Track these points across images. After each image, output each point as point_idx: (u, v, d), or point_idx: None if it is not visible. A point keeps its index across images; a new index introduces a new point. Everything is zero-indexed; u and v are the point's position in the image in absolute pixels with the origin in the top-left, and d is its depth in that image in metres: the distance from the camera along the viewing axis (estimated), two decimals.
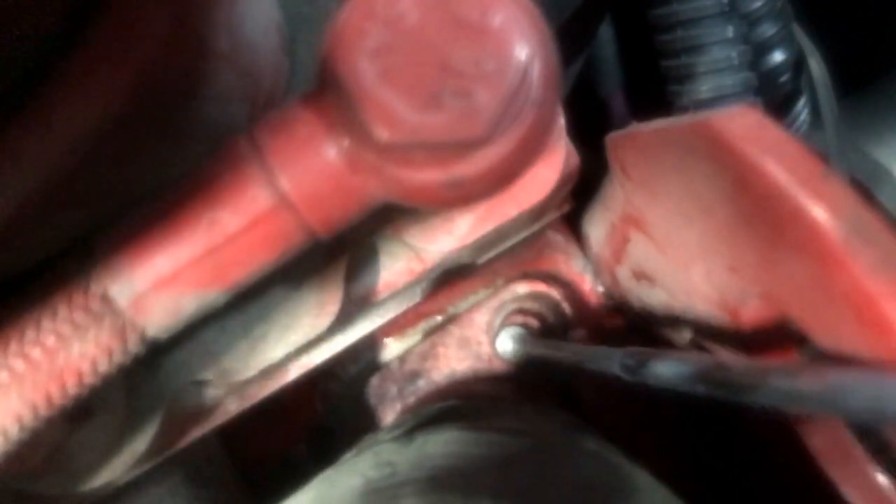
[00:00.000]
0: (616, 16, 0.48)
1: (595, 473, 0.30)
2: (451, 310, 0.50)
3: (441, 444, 0.30)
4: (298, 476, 0.49)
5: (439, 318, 0.50)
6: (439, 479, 0.28)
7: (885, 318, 0.21)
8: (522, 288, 0.48)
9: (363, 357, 0.50)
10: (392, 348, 0.50)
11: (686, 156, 0.28)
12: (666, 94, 0.44)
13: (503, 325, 0.48)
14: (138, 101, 0.22)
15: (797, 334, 0.27)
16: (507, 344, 0.48)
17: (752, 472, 0.38)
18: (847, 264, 0.21)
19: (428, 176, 0.20)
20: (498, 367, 0.49)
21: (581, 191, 0.40)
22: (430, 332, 0.49)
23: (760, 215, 0.24)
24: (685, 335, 0.35)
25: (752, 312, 0.28)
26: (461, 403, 0.38)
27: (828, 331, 0.23)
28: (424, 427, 0.33)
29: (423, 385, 0.49)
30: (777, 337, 0.28)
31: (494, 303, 0.48)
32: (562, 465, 0.30)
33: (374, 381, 0.49)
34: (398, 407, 0.49)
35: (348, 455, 0.37)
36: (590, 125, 0.39)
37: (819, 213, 0.21)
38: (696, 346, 0.35)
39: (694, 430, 0.47)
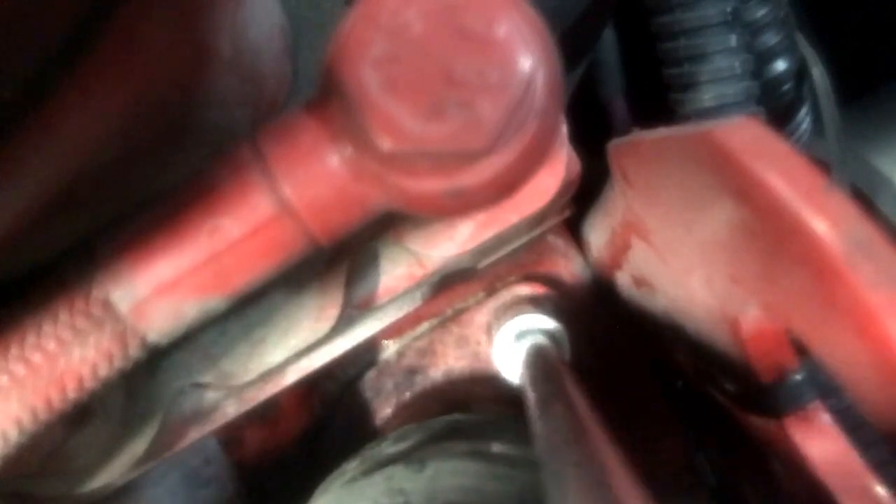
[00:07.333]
0: (619, 22, 0.48)
1: None
2: (449, 312, 0.50)
3: (453, 475, 0.30)
4: (295, 477, 0.49)
5: (438, 321, 0.50)
6: None
7: (886, 332, 0.21)
8: (522, 290, 0.48)
9: (362, 359, 0.50)
10: (391, 350, 0.50)
11: (687, 166, 0.28)
12: (668, 101, 0.44)
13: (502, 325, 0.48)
14: (142, 107, 0.22)
15: (797, 345, 0.27)
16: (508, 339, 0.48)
17: (750, 485, 0.38)
18: (848, 278, 0.21)
19: (430, 185, 0.20)
20: (495, 367, 0.49)
21: (582, 195, 0.40)
22: (430, 331, 0.49)
23: (762, 227, 0.24)
24: (684, 341, 0.36)
25: (752, 322, 0.29)
26: (465, 420, 0.38)
27: (828, 343, 0.23)
28: (432, 446, 0.33)
29: (419, 382, 0.49)
30: (776, 347, 0.28)
31: (494, 304, 0.48)
32: None
33: (371, 374, 0.49)
34: (393, 402, 0.49)
35: (351, 465, 0.36)
36: (591, 130, 0.39)
37: (820, 226, 0.21)
38: (694, 355, 0.35)
39: (690, 441, 0.47)
